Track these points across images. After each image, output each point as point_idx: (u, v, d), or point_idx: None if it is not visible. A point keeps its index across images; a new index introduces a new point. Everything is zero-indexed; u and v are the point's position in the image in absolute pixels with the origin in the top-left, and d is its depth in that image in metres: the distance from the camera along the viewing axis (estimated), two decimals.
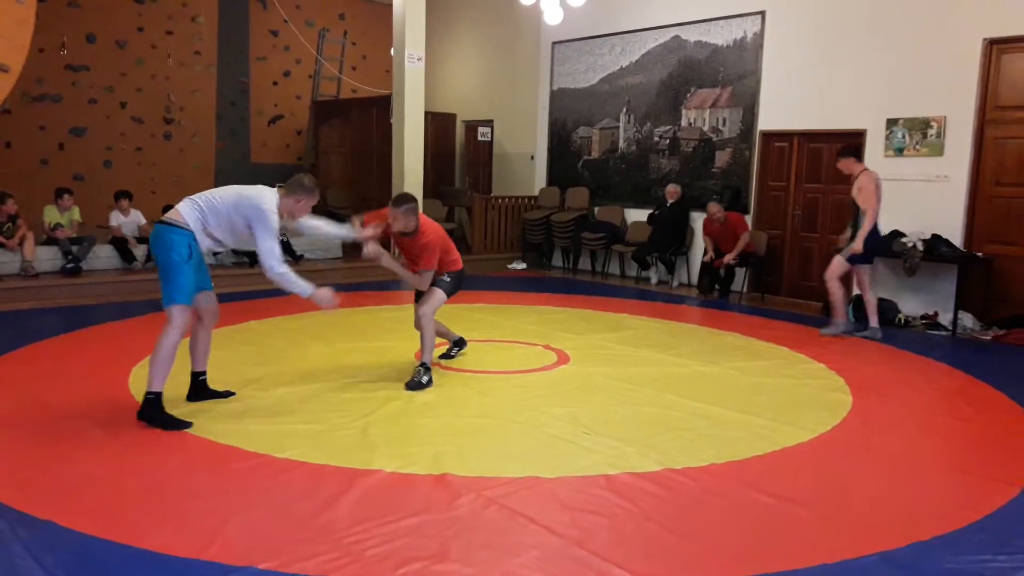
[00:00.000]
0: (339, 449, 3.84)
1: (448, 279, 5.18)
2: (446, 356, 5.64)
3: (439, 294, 5.12)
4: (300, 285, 4.20)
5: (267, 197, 4.19)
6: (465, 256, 10.46)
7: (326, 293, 4.29)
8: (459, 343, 5.75)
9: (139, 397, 4.35)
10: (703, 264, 9.23)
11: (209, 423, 4.16)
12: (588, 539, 2.98)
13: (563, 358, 5.84)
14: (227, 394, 4.65)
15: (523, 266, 11.36)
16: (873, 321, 6.95)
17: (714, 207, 8.94)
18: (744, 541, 3.06)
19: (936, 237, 7.52)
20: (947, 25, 7.64)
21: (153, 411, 4.10)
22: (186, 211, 4.12)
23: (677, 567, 2.83)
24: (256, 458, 3.70)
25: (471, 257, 10.72)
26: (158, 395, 4.11)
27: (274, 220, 4.14)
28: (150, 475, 3.50)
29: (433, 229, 5.07)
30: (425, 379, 4.93)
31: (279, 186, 4.32)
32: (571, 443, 4.04)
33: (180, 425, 4.09)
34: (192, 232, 4.09)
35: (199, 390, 4.57)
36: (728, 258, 8.75)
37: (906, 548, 3.02)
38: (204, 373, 4.59)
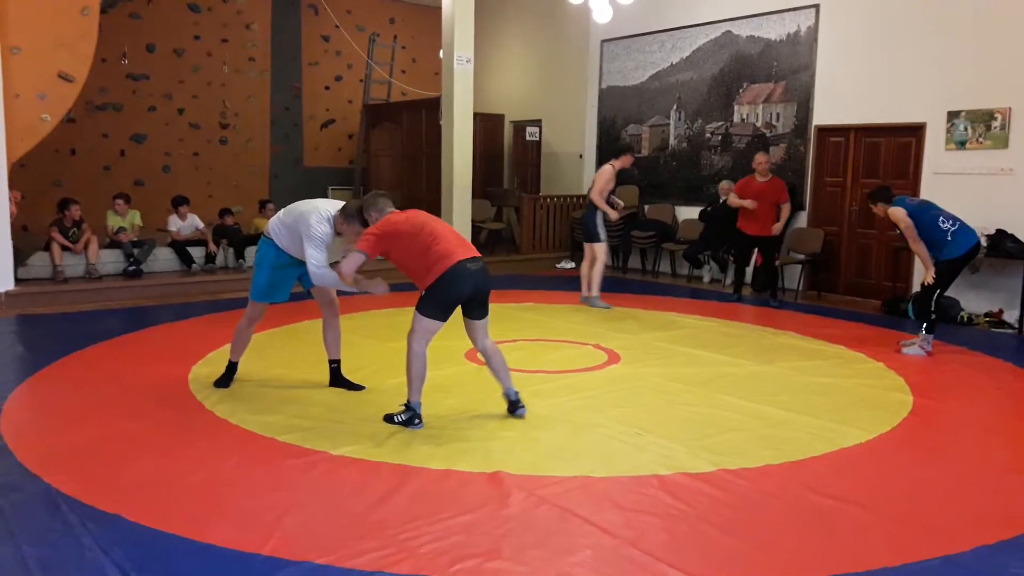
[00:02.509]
0: (392, 446, 3.88)
1: (426, 297, 4.09)
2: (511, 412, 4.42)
3: (417, 320, 4.11)
4: (336, 278, 4.33)
5: (318, 210, 4.43)
6: (513, 256, 10.55)
7: (374, 285, 4.32)
8: (512, 406, 4.40)
9: (199, 395, 4.72)
10: (756, 267, 9.04)
11: (268, 420, 4.24)
12: (642, 539, 2.96)
13: (614, 358, 5.81)
14: (358, 387, 4.89)
15: (572, 265, 11.31)
16: (594, 291, 7.85)
17: (762, 158, 8.36)
18: (802, 543, 3.00)
19: (1001, 232, 7.28)
20: (1011, 12, 7.39)
21: (224, 372, 4.90)
22: (271, 222, 4.69)
23: (734, 569, 2.79)
24: (312, 455, 3.77)
25: (519, 257, 10.75)
26: (231, 363, 4.91)
27: (318, 231, 4.34)
28: (211, 471, 3.58)
29: (392, 217, 4.20)
30: (399, 418, 4.18)
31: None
32: (623, 443, 4.01)
33: (223, 384, 4.84)
34: (271, 240, 4.61)
35: (334, 377, 4.94)
36: (777, 227, 8.17)
37: (970, 552, 2.93)
38: (337, 361, 4.94)
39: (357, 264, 4.14)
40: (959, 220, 6.03)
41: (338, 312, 4.88)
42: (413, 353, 4.15)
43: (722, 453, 3.86)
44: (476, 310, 4.22)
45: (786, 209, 8.33)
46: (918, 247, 6.05)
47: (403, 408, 4.23)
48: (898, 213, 6.07)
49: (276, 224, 4.62)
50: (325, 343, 4.92)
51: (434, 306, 4.07)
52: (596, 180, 7.87)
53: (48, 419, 4.37)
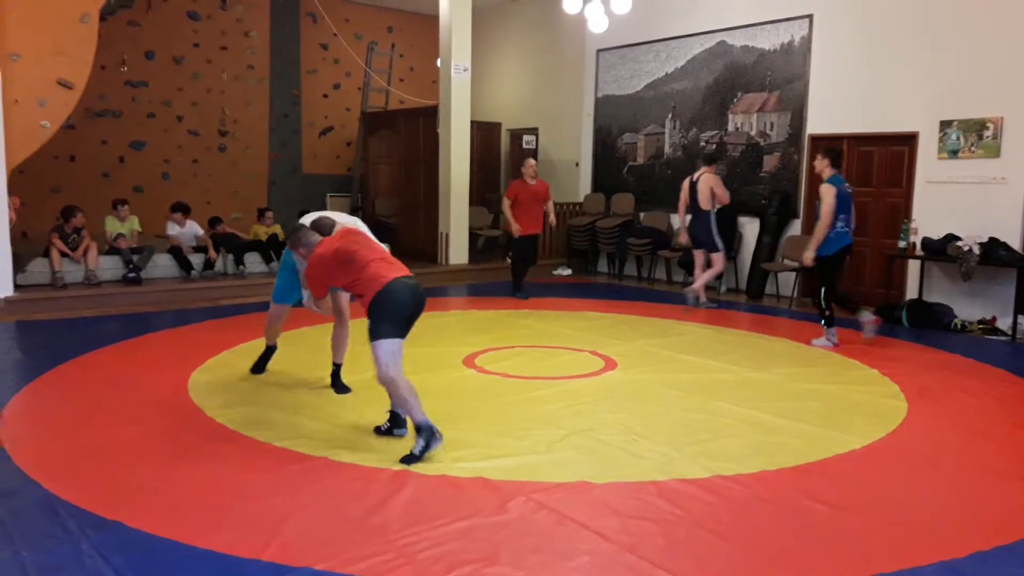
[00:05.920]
0: (390, 451, 3.90)
1: (371, 320, 3.86)
2: (378, 430, 4.23)
3: (374, 348, 3.84)
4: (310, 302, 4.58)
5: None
6: (510, 263, 10.55)
7: (321, 304, 4.42)
8: (392, 421, 4.19)
9: (198, 401, 4.74)
10: (750, 271, 9.09)
11: (266, 426, 4.27)
12: (639, 545, 2.99)
13: (610, 364, 5.84)
14: (345, 390, 4.99)
15: (568, 272, 11.36)
16: (700, 293, 8.45)
17: (532, 162, 8.97)
18: (798, 549, 3.03)
19: (993, 240, 7.33)
20: (1002, 22, 7.46)
21: (260, 356, 5.38)
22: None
23: (729, 575, 2.82)
24: (311, 460, 3.79)
25: None
26: (268, 347, 5.38)
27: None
28: (210, 477, 3.60)
29: (320, 249, 4.09)
30: (418, 449, 3.79)
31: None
32: (620, 449, 4.04)
33: (257, 370, 5.35)
34: None
35: (333, 379, 5.08)
36: (552, 219, 9.11)
37: (966, 558, 2.96)
38: (338, 365, 5.06)
39: (319, 302, 4.34)
40: (849, 222, 6.39)
41: (346, 321, 4.99)
42: (391, 382, 3.83)
43: (718, 459, 3.89)
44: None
45: (550, 205, 9.08)
46: (822, 228, 6.34)
47: (416, 434, 3.85)
48: (830, 192, 6.33)
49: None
50: (332, 346, 5.07)
51: (384, 323, 3.80)
52: (715, 187, 8.27)
53: (47, 425, 4.37)
